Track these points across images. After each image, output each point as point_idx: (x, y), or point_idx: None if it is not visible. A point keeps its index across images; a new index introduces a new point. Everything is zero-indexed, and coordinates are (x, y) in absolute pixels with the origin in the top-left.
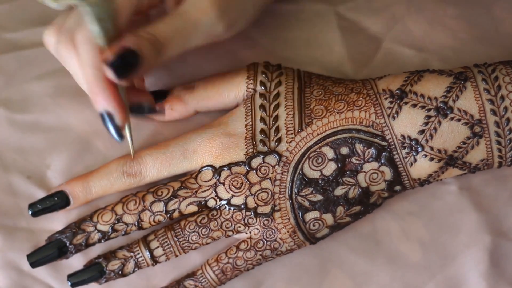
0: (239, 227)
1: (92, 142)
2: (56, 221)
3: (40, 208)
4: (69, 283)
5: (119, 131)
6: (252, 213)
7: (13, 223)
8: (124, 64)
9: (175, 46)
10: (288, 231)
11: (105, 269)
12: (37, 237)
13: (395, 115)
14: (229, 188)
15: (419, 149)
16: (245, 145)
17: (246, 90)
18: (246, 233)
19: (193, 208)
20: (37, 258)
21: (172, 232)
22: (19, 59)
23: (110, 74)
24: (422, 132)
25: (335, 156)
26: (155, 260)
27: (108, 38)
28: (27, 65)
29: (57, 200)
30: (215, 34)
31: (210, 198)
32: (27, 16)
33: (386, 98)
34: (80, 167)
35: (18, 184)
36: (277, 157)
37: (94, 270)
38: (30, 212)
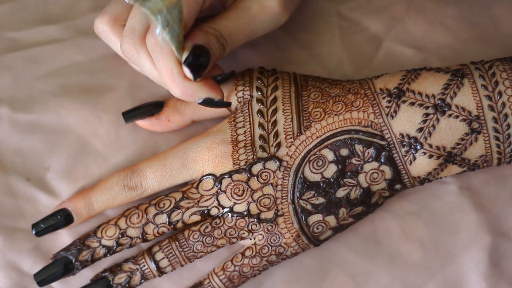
0: (243, 233)
1: (91, 144)
2: None
3: (43, 227)
4: None
5: (223, 103)
6: (255, 219)
7: (13, 224)
8: (197, 61)
9: (238, 41)
10: (292, 235)
11: (112, 283)
12: (37, 238)
13: (394, 114)
14: (231, 195)
15: (418, 147)
16: (245, 152)
17: (243, 97)
18: (251, 239)
19: (196, 218)
20: (44, 276)
21: (177, 242)
22: (24, 58)
23: (188, 73)
24: (420, 130)
25: (335, 158)
26: (161, 271)
27: (178, 41)
28: (33, 64)
29: (60, 218)
30: (277, 25)
31: (213, 206)
32: (30, 15)
33: (384, 98)
34: (79, 169)
35: (18, 185)
36: (277, 162)
37: (101, 284)
38: (33, 232)
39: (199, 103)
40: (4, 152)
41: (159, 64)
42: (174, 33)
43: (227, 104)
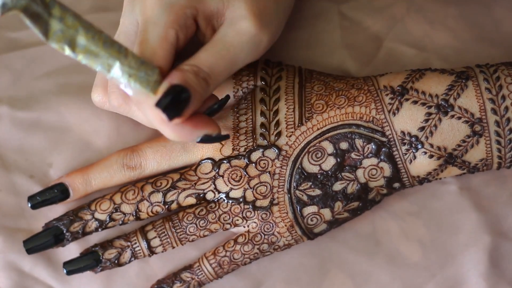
0: (237, 220)
1: (92, 141)
2: None
3: (39, 200)
4: (65, 271)
5: (222, 136)
6: (251, 207)
7: (14, 224)
8: (176, 101)
9: (221, 72)
10: (286, 225)
11: (101, 258)
12: None
13: (396, 111)
14: (228, 181)
15: (419, 146)
16: (245, 138)
17: (247, 87)
18: (244, 227)
19: (192, 200)
20: (34, 244)
21: (170, 223)
22: (24, 58)
23: (163, 116)
24: (422, 129)
25: (334, 151)
26: (151, 251)
27: (151, 85)
28: (33, 63)
29: (56, 192)
30: (260, 49)
31: (209, 190)
32: None
33: (387, 94)
34: (81, 166)
35: (21, 183)
36: (276, 151)
37: (90, 258)
38: (29, 205)
39: (197, 142)
40: (6, 151)
41: (147, 113)
42: (142, 80)
43: (226, 137)
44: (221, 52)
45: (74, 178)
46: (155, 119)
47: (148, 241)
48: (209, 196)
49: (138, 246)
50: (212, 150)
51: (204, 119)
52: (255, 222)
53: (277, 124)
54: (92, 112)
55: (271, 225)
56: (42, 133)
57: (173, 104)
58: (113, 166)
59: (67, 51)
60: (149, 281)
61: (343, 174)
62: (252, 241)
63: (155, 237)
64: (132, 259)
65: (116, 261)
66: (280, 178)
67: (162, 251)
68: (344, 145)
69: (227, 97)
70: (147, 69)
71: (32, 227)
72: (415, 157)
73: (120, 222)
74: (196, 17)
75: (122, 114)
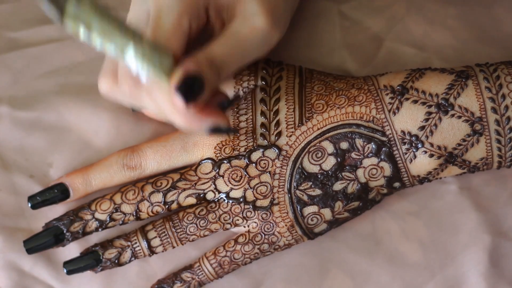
0: (237, 220)
1: (92, 141)
2: None
3: (39, 200)
4: (65, 270)
5: (232, 129)
6: (251, 206)
7: (14, 224)
8: (189, 89)
9: (232, 65)
10: (286, 225)
11: (101, 257)
12: None
13: (396, 111)
14: (228, 181)
15: (419, 145)
16: (245, 138)
17: (248, 87)
18: (244, 227)
19: (192, 200)
20: (34, 244)
21: (170, 222)
22: (25, 57)
23: (179, 100)
24: (422, 128)
25: (334, 151)
26: (152, 251)
27: (165, 71)
28: (33, 63)
29: (56, 192)
30: (270, 45)
31: (209, 190)
32: (30, 15)
33: (387, 94)
34: (82, 166)
35: (21, 183)
36: (277, 151)
37: (91, 258)
38: (29, 205)
39: (207, 133)
40: (6, 150)
41: (159, 99)
42: (156, 65)
43: (235, 131)
44: (234, 46)
45: (74, 178)
46: (166, 105)
47: (148, 241)
48: (209, 196)
49: (138, 246)
50: (212, 150)
51: (214, 110)
52: (255, 222)
53: (277, 124)
54: (92, 112)
55: (272, 225)
56: (42, 133)
57: (187, 91)
58: (113, 166)
59: (82, 34)
60: (149, 281)
61: (343, 174)
62: (253, 241)
63: (155, 237)
64: (132, 258)
65: (116, 261)
66: (281, 178)
67: (162, 251)
68: (344, 145)
69: (238, 97)
70: (161, 55)
71: (32, 227)
72: (415, 157)
73: (120, 222)
74: (208, 8)
75: (130, 102)
